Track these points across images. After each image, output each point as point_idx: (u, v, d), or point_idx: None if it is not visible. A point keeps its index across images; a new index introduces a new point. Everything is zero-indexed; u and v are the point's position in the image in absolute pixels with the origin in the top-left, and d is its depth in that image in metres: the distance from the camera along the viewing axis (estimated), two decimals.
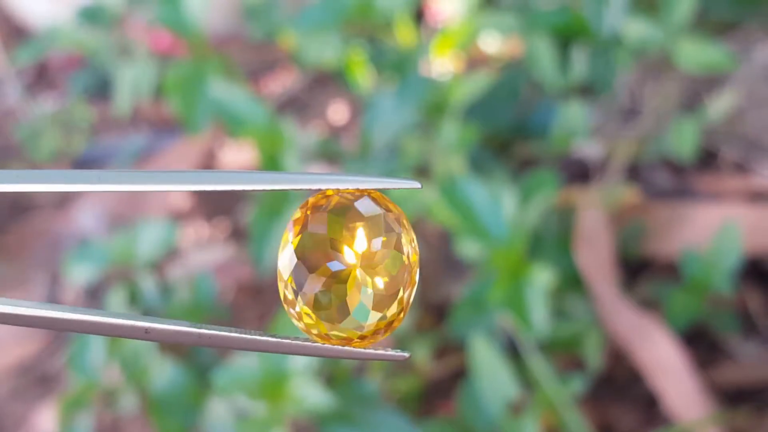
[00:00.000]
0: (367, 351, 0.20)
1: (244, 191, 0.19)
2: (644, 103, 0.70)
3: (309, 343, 0.20)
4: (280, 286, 0.20)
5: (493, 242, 0.52)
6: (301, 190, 0.19)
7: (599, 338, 0.57)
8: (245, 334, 0.20)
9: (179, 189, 0.19)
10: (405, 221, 0.20)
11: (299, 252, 0.19)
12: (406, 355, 0.20)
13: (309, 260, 0.19)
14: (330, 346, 0.20)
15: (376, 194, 0.20)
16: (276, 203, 0.59)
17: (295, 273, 0.19)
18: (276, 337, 0.20)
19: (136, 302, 0.63)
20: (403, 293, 0.20)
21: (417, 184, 0.19)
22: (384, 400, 0.57)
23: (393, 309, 0.20)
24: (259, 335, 0.20)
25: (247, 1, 0.75)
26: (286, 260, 0.19)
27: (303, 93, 0.94)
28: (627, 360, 0.59)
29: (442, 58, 0.65)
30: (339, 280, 0.19)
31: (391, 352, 0.20)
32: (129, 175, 0.19)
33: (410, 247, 0.20)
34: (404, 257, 0.19)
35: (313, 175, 0.19)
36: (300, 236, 0.19)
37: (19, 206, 0.88)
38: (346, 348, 0.20)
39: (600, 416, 0.59)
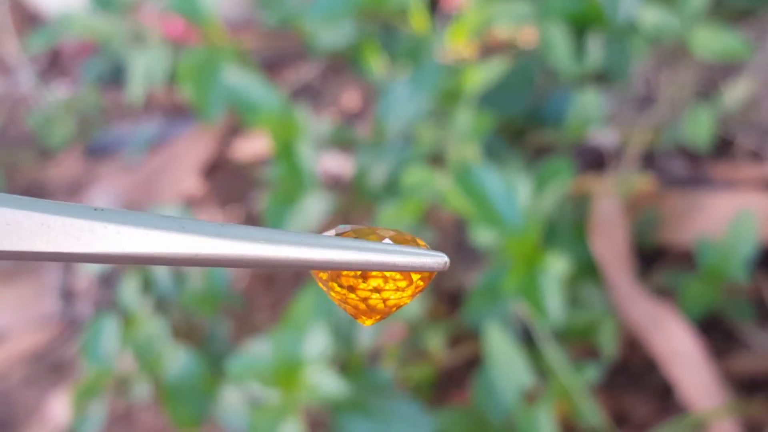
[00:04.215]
0: (404, 261, 0.18)
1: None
2: (659, 90, 0.69)
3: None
4: None
5: (507, 230, 0.51)
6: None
7: (614, 327, 0.56)
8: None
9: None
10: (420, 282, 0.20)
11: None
12: (444, 259, 0.18)
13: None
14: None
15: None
16: (290, 191, 0.59)
17: None
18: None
19: (149, 290, 0.63)
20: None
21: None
22: (397, 388, 0.57)
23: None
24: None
25: None
26: None
27: (317, 80, 0.93)
28: (642, 349, 0.58)
29: (457, 45, 0.65)
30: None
31: (429, 260, 0.18)
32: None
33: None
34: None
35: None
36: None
37: (31, 192, 0.88)
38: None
39: (615, 405, 0.59)
